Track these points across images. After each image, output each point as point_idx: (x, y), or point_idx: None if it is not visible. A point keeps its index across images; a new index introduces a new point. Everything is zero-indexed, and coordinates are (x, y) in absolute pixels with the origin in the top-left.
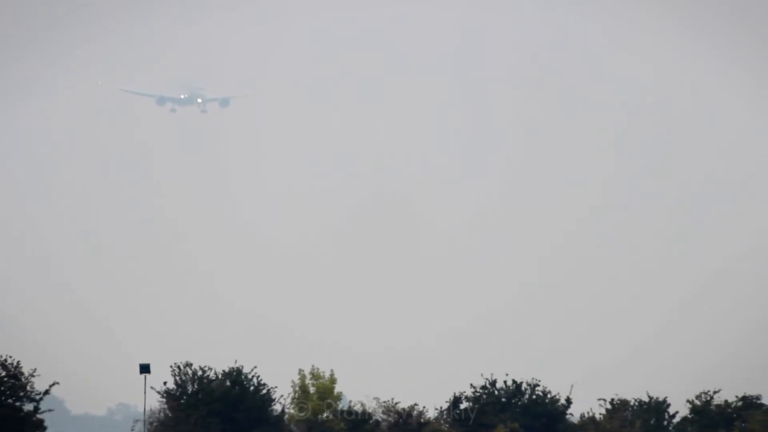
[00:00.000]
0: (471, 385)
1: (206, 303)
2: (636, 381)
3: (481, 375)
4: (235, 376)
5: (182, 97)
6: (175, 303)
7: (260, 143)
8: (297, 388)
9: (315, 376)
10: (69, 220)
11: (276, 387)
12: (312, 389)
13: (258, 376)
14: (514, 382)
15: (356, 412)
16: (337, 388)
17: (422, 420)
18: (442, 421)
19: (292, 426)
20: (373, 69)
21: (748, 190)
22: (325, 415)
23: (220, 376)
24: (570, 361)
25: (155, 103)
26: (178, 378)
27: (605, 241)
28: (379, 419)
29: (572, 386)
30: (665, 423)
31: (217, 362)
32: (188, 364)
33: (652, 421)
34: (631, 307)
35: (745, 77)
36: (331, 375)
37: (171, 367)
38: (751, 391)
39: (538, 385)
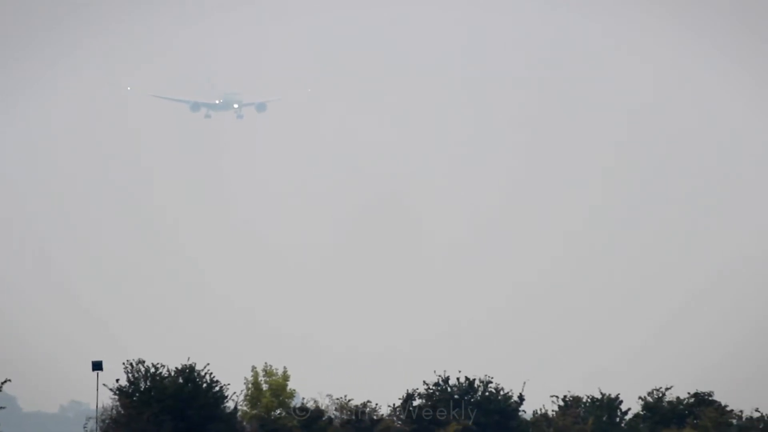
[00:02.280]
0: (424, 381)
1: (164, 302)
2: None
3: (434, 372)
4: (188, 373)
5: (217, 102)
6: (130, 301)
7: (259, 144)
8: (250, 385)
9: (268, 373)
10: (35, 219)
11: (229, 384)
12: (265, 386)
13: (211, 373)
14: (467, 378)
15: (309, 409)
16: (291, 385)
17: (375, 417)
18: (395, 418)
19: (244, 423)
20: (373, 69)
21: (748, 190)
22: (277, 412)
23: (172, 374)
24: (569, 361)
25: (189, 109)
26: (130, 375)
27: (606, 242)
28: (332, 416)
29: (524, 383)
30: (617, 420)
31: (189, 359)
32: (141, 362)
33: (604, 418)
34: (632, 307)
35: (745, 77)
36: (284, 372)
37: (123, 364)
38: (703, 388)
39: (491, 382)
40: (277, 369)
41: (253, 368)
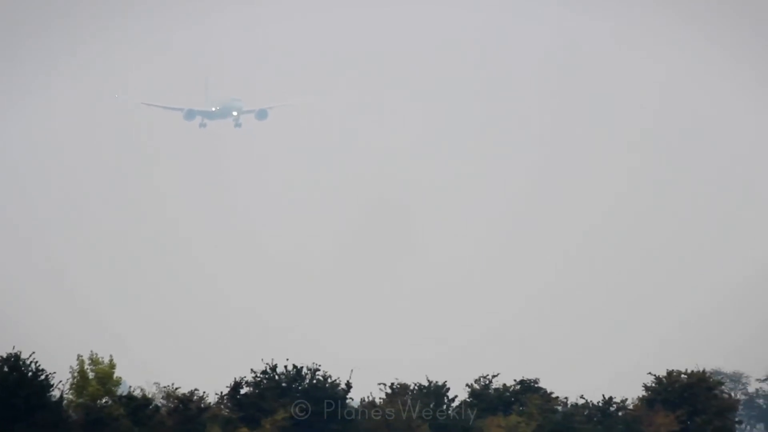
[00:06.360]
0: (251, 370)
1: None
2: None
3: (262, 360)
4: (13, 361)
5: (213, 110)
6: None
7: (258, 147)
8: (76, 374)
9: (94, 361)
10: None
11: (54, 373)
12: (91, 375)
13: (36, 362)
14: (294, 366)
15: (135, 398)
16: (117, 374)
17: (202, 405)
18: (222, 406)
19: (70, 411)
20: (374, 69)
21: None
22: (104, 400)
23: None
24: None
25: (183, 117)
26: None
27: (615, 246)
28: (159, 404)
29: (352, 371)
30: (444, 407)
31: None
32: None
33: (431, 405)
34: (645, 311)
35: (756, 78)
36: (111, 361)
37: None
38: (529, 375)
39: (318, 370)
40: (103, 358)
41: (79, 356)
